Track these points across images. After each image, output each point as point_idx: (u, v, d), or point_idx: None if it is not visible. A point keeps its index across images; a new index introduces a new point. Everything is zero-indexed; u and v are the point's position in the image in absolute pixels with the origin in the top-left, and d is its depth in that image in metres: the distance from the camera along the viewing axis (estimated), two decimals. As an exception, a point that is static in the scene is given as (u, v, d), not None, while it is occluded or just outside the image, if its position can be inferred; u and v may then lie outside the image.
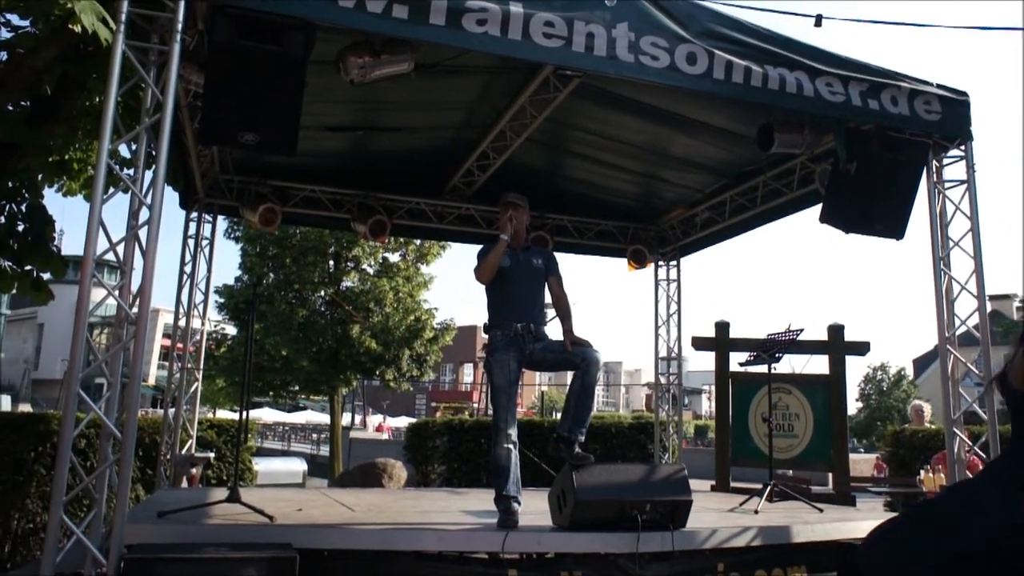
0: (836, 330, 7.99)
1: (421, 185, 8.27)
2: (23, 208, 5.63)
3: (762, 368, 6.59)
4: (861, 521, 5.28)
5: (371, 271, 18.80)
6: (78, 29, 3.61)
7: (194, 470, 7.36)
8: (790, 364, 7.57)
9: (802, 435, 7.95)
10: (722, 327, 8.42)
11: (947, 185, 5.59)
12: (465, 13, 4.21)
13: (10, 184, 5.52)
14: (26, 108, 5.28)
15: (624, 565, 4.19)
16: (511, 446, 4.53)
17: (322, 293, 18.44)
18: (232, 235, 18.04)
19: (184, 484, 7.13)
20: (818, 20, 5.34)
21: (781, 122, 5.79)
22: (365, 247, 17.80)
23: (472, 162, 7.54)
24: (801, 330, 6.23)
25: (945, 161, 5.63)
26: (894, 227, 5.63)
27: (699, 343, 8.55)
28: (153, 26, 3.96)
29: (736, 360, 7.87)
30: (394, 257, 18.77)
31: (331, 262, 18.44)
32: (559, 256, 5.13)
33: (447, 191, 8.26)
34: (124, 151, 4.57)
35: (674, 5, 4.70)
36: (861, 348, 8.20)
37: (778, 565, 4.67)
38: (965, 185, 5.50)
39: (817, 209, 5.95)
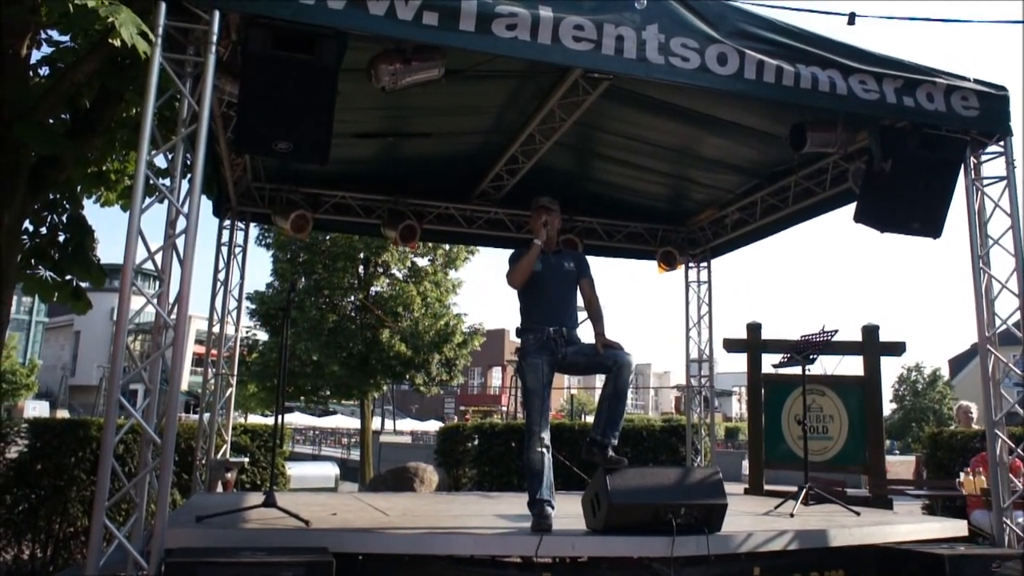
0: (871, 331, 7.88)
1: (450, 190, 8.31)
2: (64, 219, 5.74)
3: (795, 370, 6.53)
4: (899, 525, 5.20)
5: (400, 276, 18.93)
6: (117, 43, 3.67)
7: (229, 475, 7.46)
8: (822, 366, 7.49)
9: (836, 437, 7.85)
10: (754, 328, 8.33)
11: (986, 182, 5.48)
12: (495, 19, 4.21)
13: (52, 196, 5.63)
14: (66, 121, 5.39)
15: (659, 569, 4.17)
16: (544, 450, 4.52)
17: (352, 298, 18.59)
18: (263, 242, 18.25)
19: (219, 489, 7.22)
20: (851, 18, 5.27)
21: (814, 121, 5.73)
22: (394, 252, 17.92)
23: (501, 166, 7.55)
24: (835, 331, 6.17)
25: (983, 157, 5.51)
26: (931, 226, 5.53)
27: (731, 345, 8.47)
28: (188, 38, 4.03)
29: (769, 362, 7.79)
30: (422, 262, 18.86)
31: (361, 267, 18.59)
32: (589, 259, 5.12)
33: (476, 195, 8.29)
34: (160, 161, 4.64)
35: (704, 6, 4.67)
36: (896, 349, 8.07)
37: (815, 569, 4.62)
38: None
39: (850, 208, 5.87)
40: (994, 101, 5.29)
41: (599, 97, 5.99)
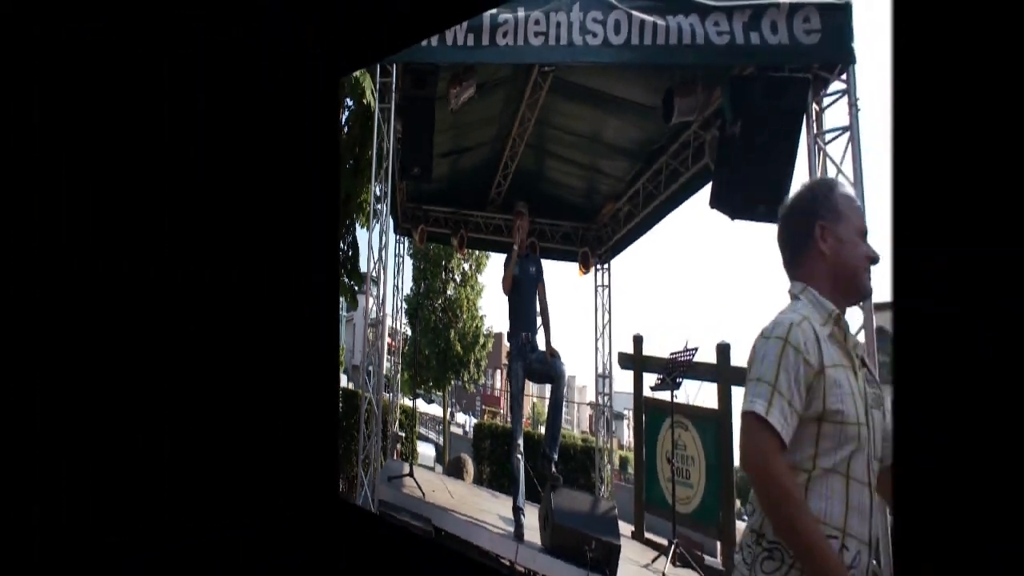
0: (723, 350, 3.74)
1: (466, 199, 5.77)
2: (349, 240, 5.39)
3: (667, 395, 3.61)
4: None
5: (458, 280, 18.12)
6: (365, 102, 3.53)
7: (398, 445, 6.96)
8: (685, 392, 3.73)
9: (696, 485, 3.86)
10: (637, 341, 4.46)
11: (828, 138, 2.95)
12: (498, 28, 3.18)
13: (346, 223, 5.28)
14: (353, 165, 4.94)
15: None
16: (520, 456, 3.11)
17: (440, 301, 17.46)
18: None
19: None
20: None
21: (679, 85, 3.39)
22: (457, 259, 16.84)
23: (500, 173, 5.16)
24: (695, 349, 3.51)
25: (825, 102, 3.01)
26: (775, 209, 2.48)
27: (624, 360, 4.65)
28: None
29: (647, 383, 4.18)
30: (466, 267, 17.74)
31: (443, 273, 17.71)
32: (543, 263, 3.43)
33: (488, 204, 5.76)
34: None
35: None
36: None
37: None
38: (848, 135, 2.88)
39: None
40: (835, 16, 2.87)
41: (548, 91, 4.05)
